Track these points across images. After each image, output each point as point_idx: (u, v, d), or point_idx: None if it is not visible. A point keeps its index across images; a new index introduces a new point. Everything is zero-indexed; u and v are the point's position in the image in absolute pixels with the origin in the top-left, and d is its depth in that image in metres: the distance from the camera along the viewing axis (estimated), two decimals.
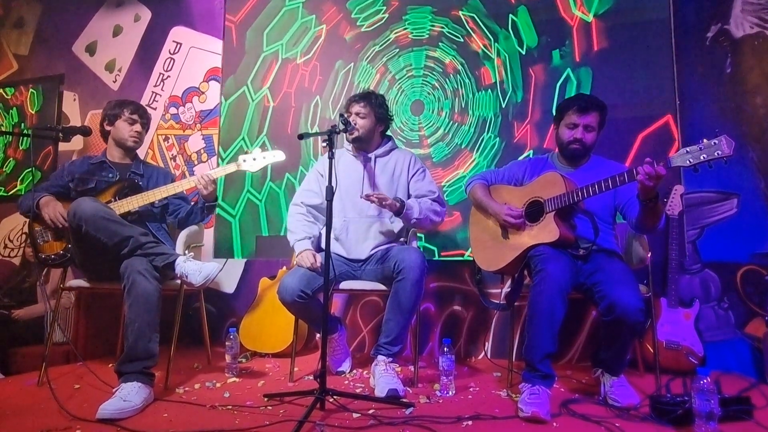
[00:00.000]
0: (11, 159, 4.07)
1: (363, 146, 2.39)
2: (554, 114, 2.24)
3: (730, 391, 1.88)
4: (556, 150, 2.25)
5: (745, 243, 2.46)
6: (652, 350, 2.23)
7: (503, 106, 3.02)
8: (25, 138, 3.93)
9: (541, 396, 1.73)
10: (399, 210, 2.20)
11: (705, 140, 1.69)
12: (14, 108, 4.09)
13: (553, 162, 2.24)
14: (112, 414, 1.69)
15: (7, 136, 4.06)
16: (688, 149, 1.72)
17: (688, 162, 1.71)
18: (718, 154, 1.66)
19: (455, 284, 2.91)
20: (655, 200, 1.82)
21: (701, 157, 1.68)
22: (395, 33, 3.26)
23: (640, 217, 1.92)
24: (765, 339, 2.32)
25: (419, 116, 3.16)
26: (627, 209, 2.05)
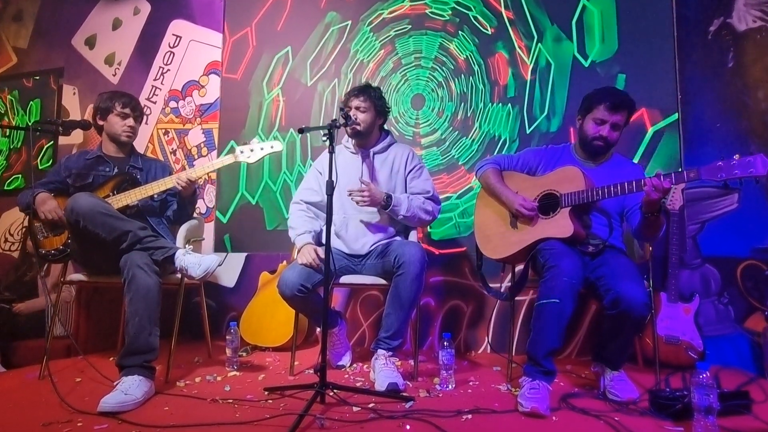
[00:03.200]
0: (19, 176, 3.85)
1: (363, 141, 2.38)
2: (581, 104, 2.11)
3: (729, 386, 1.89)
4: (575, 141, 2.19)
5: (746, 238, 2.46)
6: (651, 345, 2.23)
7: (527, 131, 2.49)
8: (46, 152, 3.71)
9: (541, 391, 1.73)
10: (386, 205, 2.20)
11: (738, 156, 1.61)
12: (36, 101, 3.82)
13: (574, 153, 2.17)
14: (114, 407, 1.70)
15: (11, 140, 3.94)
16: (721, 163, 1.64)
17: (719, 177, 1.64)
18: (752, 172, 1.59)
19: (455, 278, 2.91)
20: (658, 213, 1.80)
21: (734, 173, 1.61)
22: (411, 2, 2.70)
23: (640, 226, 1.91)
24: (765, 334, 2.32)
25: (418, 111, 2.89)
26: (631, 215, 2.03)
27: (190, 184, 2.26)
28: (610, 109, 2.00)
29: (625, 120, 2.05)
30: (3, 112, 4.01)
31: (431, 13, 2.67)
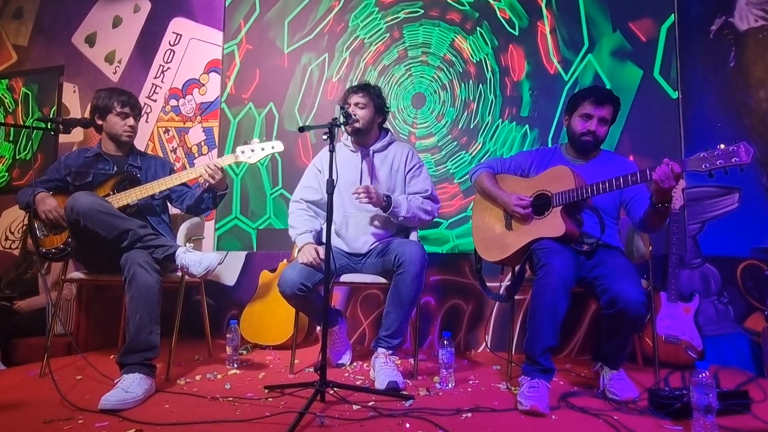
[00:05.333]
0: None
1: (362, 139, 2.38)
2: (567, 105, 2.13)
3: (728, 385, 1.89)
4: (567, 141, 2.20)
5: (746, 237, 2.46)
6: (651, 344, 2.23)
7: None
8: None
9: (540, 389, 1.74)
10: (386, 207, 2.21)
11: (722, 145, 1.62)
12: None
13: (564, 153, 2.19)
14: (114, 405, 1.70)
15: (17, 148, 3.85)
16: (704, 154, 1.65)
17: (703, 167, 1.65)
18: (735, 161, 1.59)
19: (455, 277, 2.91)
20: (669, 203, 1.79)
21: (717, 163, 1.62)
22: None
23: (647, 217, 1.90)
24: (764, 333, 2.32)
25: (418, 110, 2.68)
26: (632, 207, 2.03)
27: (220, 172, 2.25)
28: (596, 104, 2.02)
29: (612, 115, 2.06)
30: (11, 111, 3.94)
31: None
